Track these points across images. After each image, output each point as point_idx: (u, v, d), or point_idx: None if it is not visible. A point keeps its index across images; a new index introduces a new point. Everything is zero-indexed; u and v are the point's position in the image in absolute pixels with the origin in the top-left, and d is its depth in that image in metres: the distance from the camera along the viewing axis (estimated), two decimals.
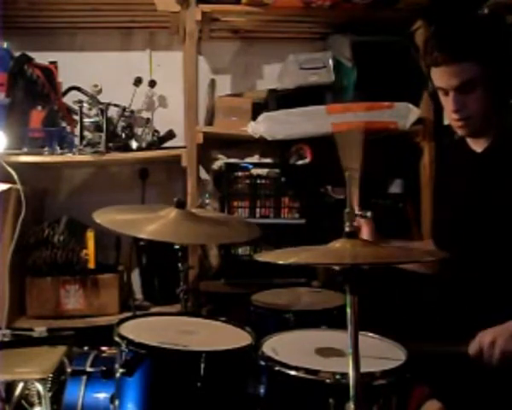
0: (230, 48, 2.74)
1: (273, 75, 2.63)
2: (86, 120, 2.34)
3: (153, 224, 1.67)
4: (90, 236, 2.26)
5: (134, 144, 2.38)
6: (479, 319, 1.47)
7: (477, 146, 1.64)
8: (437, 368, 1.47)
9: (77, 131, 2.33)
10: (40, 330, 1.93)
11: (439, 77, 1.55)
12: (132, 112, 2.45)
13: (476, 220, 1.59)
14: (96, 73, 2.56)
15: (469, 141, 1.67)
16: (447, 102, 1.57)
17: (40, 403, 1.79)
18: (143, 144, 2.40)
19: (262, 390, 1.35)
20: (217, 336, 1.55)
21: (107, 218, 1.71)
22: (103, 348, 1.74)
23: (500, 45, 1.52)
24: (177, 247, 1.87)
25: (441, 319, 1.62)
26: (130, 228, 1.75)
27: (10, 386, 1.97)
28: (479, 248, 1.58)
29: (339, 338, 1.43)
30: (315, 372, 1.25)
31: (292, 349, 1.41)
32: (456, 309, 1.60)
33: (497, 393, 1.42)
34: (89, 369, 1.62)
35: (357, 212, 1.77)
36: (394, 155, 2.57)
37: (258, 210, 2.41)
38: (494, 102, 1.55)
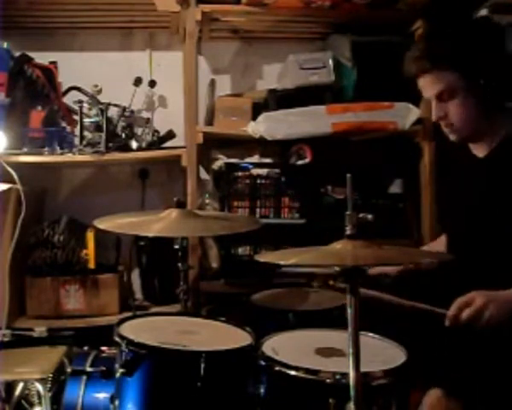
0: (230, 48, 2.74)
1: (273, 75, 2.63)
2: (86, 120, 2.34)
3: (157, 223, 1.68)
4: (90, 236, 2.26)
5: (134, 144, 2.37)
6: None
7: (478, 151, 1.64)
8: (450, 368, 1.47)
9: (77, 131, 2.32)
10: (40, 330, 1.92)
11: (422, 86, 1.60)
12: (132, 112, 2.46)
13: (477, 225, 1.58)
14: (95, 73, 2.56)
15: (470, 145, 1.66)
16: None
17: (40, 403, 1.78)
18: (143, 144, 2.40)
19: (262, 390, 1.36)
20: (217, 336, 1.55)
21: (110, 223, 1.72)
22: (103, 348, 1.74)
23: (483, 54, 1.52)
24: (177, 247, 1.87)
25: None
26: (136, 229, 1.77)
27: (10, 386, 1.96)
28: (480, 255, 1.56)
29: (339, 338, 1.44)
30: (315, 372, 1.26)
31: (292, 349, 1.41)
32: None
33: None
34: (89, 369, 1.62)
35: None
36: (394, 155, 2.57)
37: (258, 210, 2.41)
38: (480, 109, 1.55)
